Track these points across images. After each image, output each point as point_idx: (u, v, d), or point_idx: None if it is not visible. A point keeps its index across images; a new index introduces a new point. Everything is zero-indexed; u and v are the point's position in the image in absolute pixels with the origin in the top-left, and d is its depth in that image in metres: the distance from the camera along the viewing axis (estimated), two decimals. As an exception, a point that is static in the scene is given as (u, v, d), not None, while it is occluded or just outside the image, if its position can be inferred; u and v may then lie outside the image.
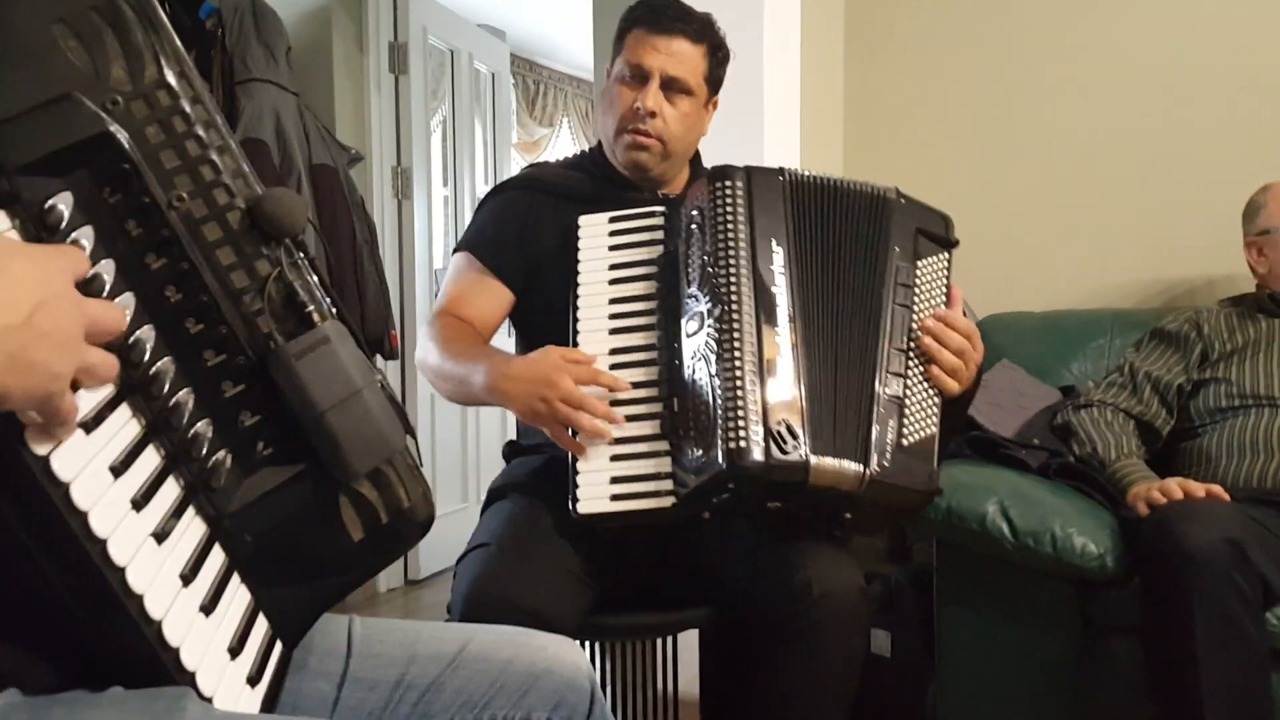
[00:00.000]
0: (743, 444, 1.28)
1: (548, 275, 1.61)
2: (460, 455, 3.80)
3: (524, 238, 1.66)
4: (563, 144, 6.21)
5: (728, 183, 1.43)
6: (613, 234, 1.55)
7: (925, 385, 1.41)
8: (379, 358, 3.34)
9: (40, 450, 0.63)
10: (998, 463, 2.02)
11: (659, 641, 1.97)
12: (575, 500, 1.39)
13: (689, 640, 1.90)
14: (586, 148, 1.83)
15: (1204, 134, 2.47)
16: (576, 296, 1.52)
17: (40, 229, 0.67)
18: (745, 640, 1.49)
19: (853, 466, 1.32)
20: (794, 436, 1.30)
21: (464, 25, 3.99)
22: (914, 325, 1.42)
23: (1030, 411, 2.19)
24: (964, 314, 1.49)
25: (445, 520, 2.82)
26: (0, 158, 0.65)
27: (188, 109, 0.74)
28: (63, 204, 0.67)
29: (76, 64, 0.69)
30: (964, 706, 1.92)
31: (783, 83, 2.33)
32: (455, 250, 1.73)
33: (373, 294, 3.22)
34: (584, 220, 1.57)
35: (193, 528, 0.78)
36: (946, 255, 1.50)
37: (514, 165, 4.65)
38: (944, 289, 1.48)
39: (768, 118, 2.23)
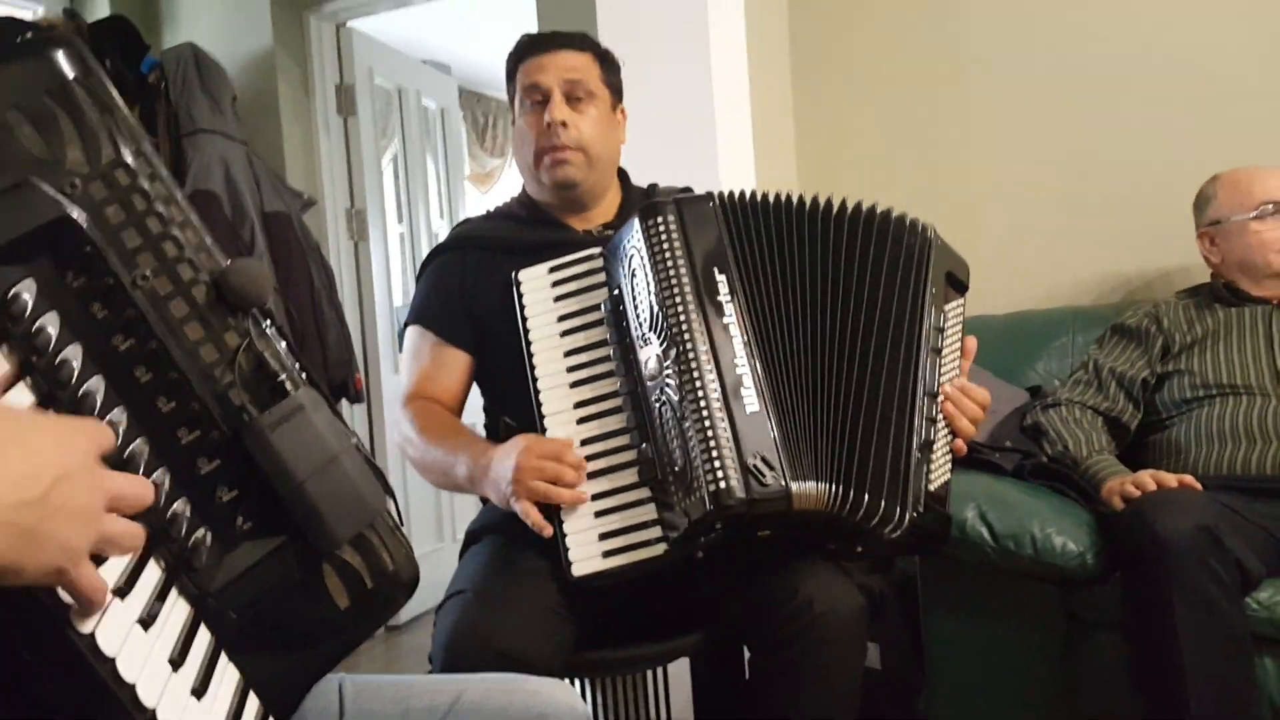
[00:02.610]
0: (722, 484, 1.27)
1: (497, 332, 1.60)
2: (434, 495, 3.76)
3: (467, 299, 1.66)
4: (514, 173, 6.18)
5: (659, 219, 1.41)
6: (555, 284, 1.53)
7: (945, 431, 1.44)
8: (344, 401, 3.31)
9: None
10: (972, 467, 2.03)
11: (649, 673, 1.95)
12: (569, 564, 1.39)
13: (679, 669, 1.89)
14: (513, 195, 1.83)
15: (1150, 128, 2.50)
16: (531, 355, 1.50)
17: (4, 320, 0.66)
18: (742, 665, 1.48)
19: (834, 489, 1.32)
20: (770, 468, 1.29)
21: (409, 63, 3.98)
22: (940, 377, 1.42)
23: (1000, 414, 2.20)
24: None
25: (422, 561, 2.79)
26: None
27: (146, 186, 0.74)
28: (26, 292, 0.67)
29: (32, 150, 0.69)
30: (955, 712, 1.93)
31: (732, 98, 2.34)
32: (405, 325, 1.75)
33: (334, 338, 3.19)
34: (524, 275, 1.55)
35: (177, 609, 0.77)
36: (964, 302, 1.52)
37: (468, 198, 4.64)
38: (959, 335, 1.50)
39: (720, 136, 2.24)
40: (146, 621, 0.72)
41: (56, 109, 0.71)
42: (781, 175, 2.72)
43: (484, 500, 1.74)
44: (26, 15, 3.22)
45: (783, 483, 1.29)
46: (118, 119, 0.73)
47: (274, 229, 3.05)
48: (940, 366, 1.43)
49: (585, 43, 1.69)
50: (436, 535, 3.82)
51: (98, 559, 0.66)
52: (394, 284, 3.75)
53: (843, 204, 1.47)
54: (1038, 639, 1.85)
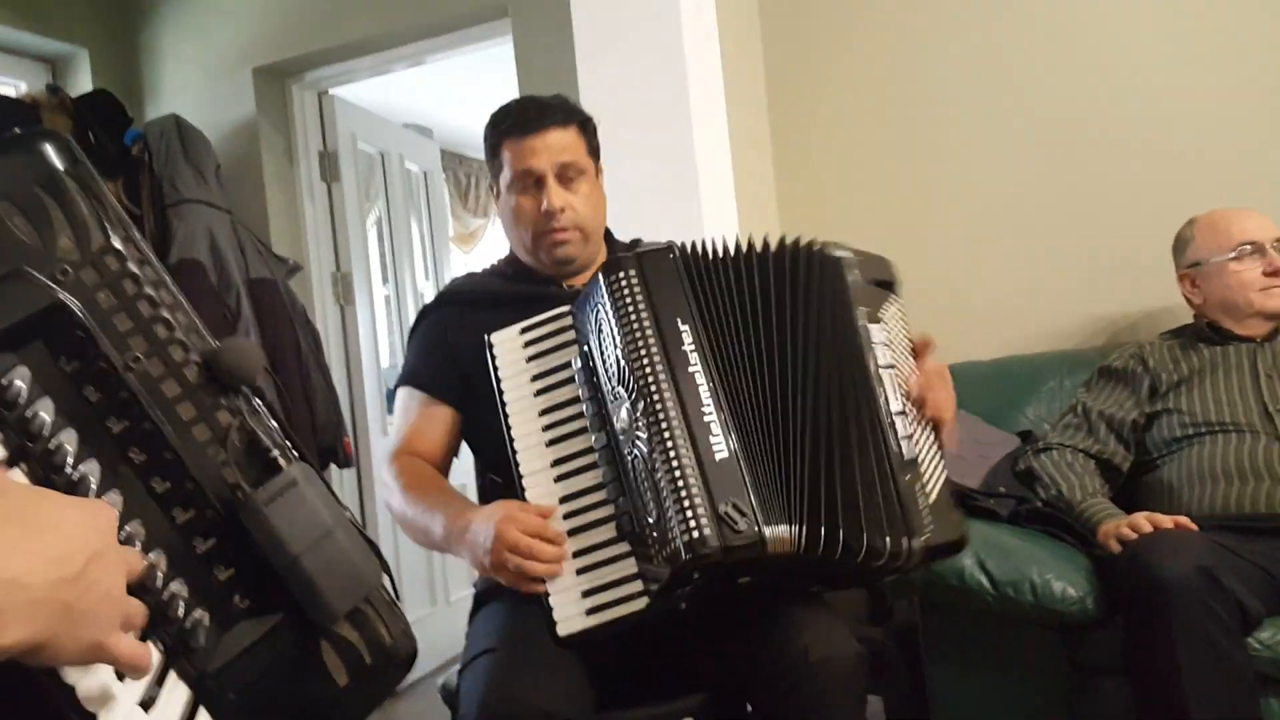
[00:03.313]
0: (695, 533, 1.27)
1: (480, 389, 1.60)
2: (426, 558, 3.73)
3: (452, 355, 1.68)
4: (498, 232, 6.23)
5: (620, 274, 1.43)
6: (526, 344, 1.54)
7: (925, 437, 1.43)
8: (333, 466, 3.29)
9: None
10: (967, 514, 2.02)
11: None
12: (553, 624, 1.38)
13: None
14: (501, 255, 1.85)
15: (1128, 173, 2.53)
16: (506, 416, 1.51)
17: (1, 406, 0.67)
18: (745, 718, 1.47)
19: (802, 529, 1.31)
20: (743, 514, 1.29)
21: (391, 127, 4.01)
22: (902, 385, 1.42)
23: (992, 460, 2.21)
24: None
25: (416, 626, 2.76)
26: None
27: (136, 271, 0.75)
28: (19, 379, 0.68)
29: (24, 239, 0.70)
30: (963, 764, 1.91)
31: (713, 151, 2.37)
32: (396, 386, 1.76)
33: (322, 403, 3.18)
34: (496, 338, 1.56)
35: (177, 692, 0.76)
36: (899, 299, 1.52)
37: (453, 259, 4.66)
38: (906, 334, 1.50)
39: (702, 189, 2.26)
40: (147, 704, 0.71)
41: (46, 199, 0.72)
42: (765, 226, 2.75)
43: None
44: (10, 91, 3.24)
45: (756, 528, 1.29)
46: (106, 207, 0.75)
47: (260, 296, 3.05)
48: (896, 377, 1.42)
49: (569, 115, 1.68)
50: (429, 599, 3.77)
51: None
52: (380, 346, 3.75)
53: (780, 242, 1.47)
54: (1042, 686, 1.83)
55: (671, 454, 1.31)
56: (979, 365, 2.53)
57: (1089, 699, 1.79)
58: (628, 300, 1.41)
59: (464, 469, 1.76)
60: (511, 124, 1.66)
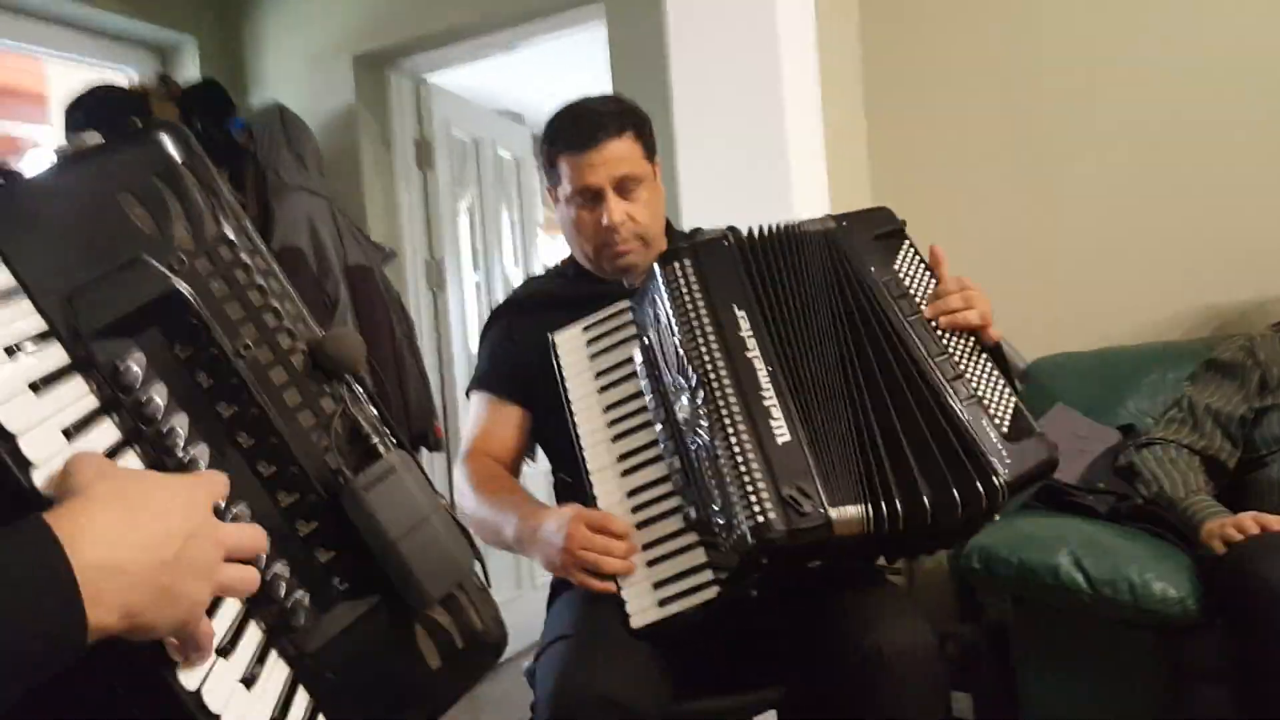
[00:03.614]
0: (760, 518, 1.26)
1: (546, 390, 1.61)
2: (513, 539, 3.78)
3: (520, 356, 1.70)
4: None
5: (675, 265, 1.44)
6: (590, 342, 1.56)
7: (979, 364, 1.38)
8: (424, 449, 3.35)
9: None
10: (1065, 510, 1.98)
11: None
12: (626, 617, 1.40)
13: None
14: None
15: (1237, 156, 2.43)
16: (572, 414, 1.53)
17: (116, 389, 0.69)
18: (822, 715, 1.46)
19: (867, 509, 1.29)
20: (807, 496, 1.27)
21: (484, 114, 4.06)
22: (932, 323, 1.40)
23: (1091, 455, 2.15)
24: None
25: (502, 609, 2.80)
26: (77, 324, 0.68)
27: (248, 261, 0.78)
28: (135, 364, 0.71)
29: (143, 228, 0.73)
30: (1054, 765, 1.87)
31: (806, 133, 2.34)
32: (468, 391, 1.79)
33: (414, 388, 3.24)
34: (559, 338, 1.58)
35: (277, 670, 0.78)
36: (907, 239, 1.48)
37: (541, 245, 4.70)
38: (927, 269, 1.46)
39: (793, 172, 2.24)
40: (249, 681, 0.73)
41: (164, 190, 0.75)
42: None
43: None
44: (122, 81, 3.37)
45: (822, 510, 1.27)
46: (220, 197, 0.78)
47: (357, 282, 3.12)
48: (927, 322, 1.39)
49: (623, 123, 1.65)
50: (515, 583, 3.83)
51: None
52: (470, 331, 3.80)
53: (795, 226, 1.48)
54: (1137, 689, 1.78)
55: (733, 440, 1.31)
56: (1079, 356, 2.47)
57: (1187, 704, 1.73)
58: (683, 290, 1.42)
59: (541, 469, 1.79)
60: (567, 139, 1.64)
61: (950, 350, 1.38)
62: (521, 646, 3.39)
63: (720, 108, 2.25)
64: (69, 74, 3.26)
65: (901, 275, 1.44)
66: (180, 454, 0.73)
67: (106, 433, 0.70)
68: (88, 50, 3.30)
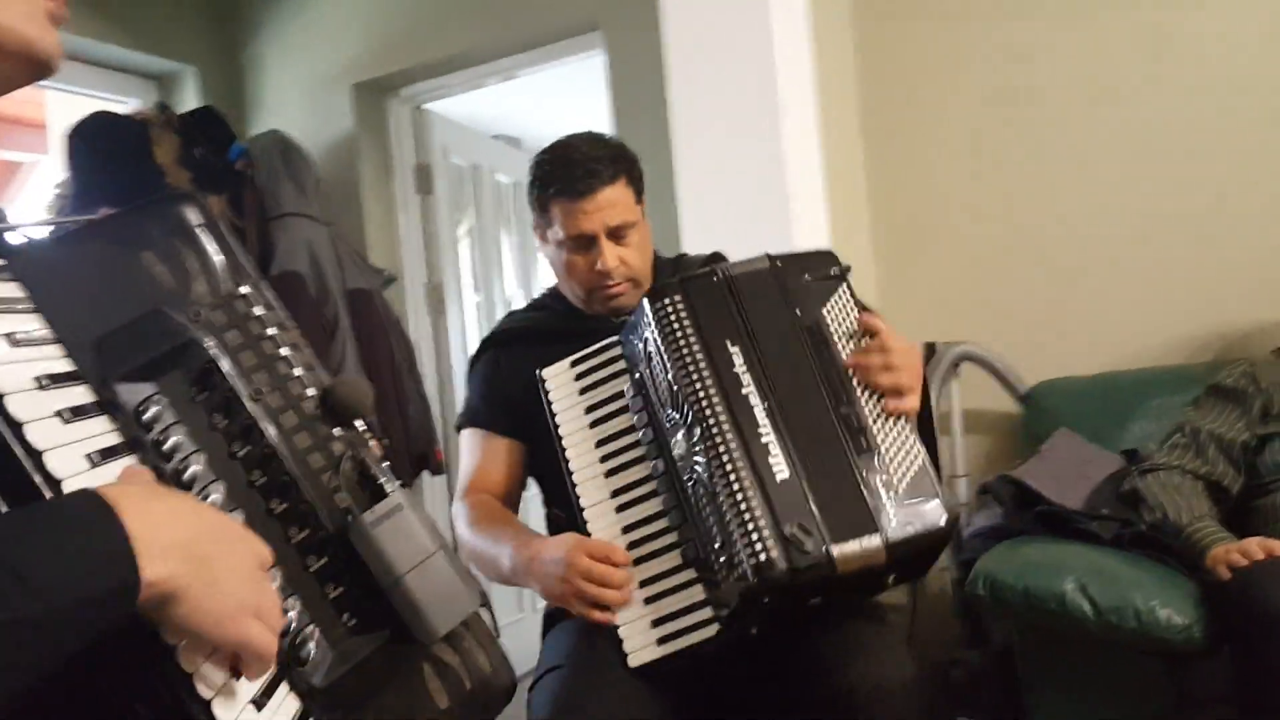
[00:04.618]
0: (762, 557, 1.26)
1: (536, 425, 1.61)
2: (514, 564, 3.77)
3: (508, 391, 1.70)
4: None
5: (666, 301, 1.43)
6: (579, 377, 1.56)
7: (887, 421, 1.38)
8: (425, 473, 3.35)
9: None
10: (1069, 537, 1.98)
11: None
12: (624, 656, 1.39)
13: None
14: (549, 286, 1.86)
15: (1240, 180, 2.44)
16: (563, 450, 1.52)
17: (138, 429, 0.74)
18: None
19: (873, 540, 1.29)
20: (809, 534, 1.27)
21: (482, 140, 4.08)
22: (849, 374, 1.40)
23: (1095, 480, 2.15)
24: (958, 357, 1.47)
25: (503, 632, 2.79)
26: (102, 369, 0.73)
27: (261, 314, 0.84)
28: (156, 405, 0.75)
29: (164, 283, 0.79)
30: (1061, 793, 1.86)
31: (805, 168, 2.35)
32: (459, 428, 1.79)
33: (414, 412, 3.25)
34: (547, 373, 1.58)
35: (287, 703, 0.78)
36: (843, 286, 1.47)
37: (541, 267, 4.71)
38: (855, 320, 1.45)
39: (792, 204, 2.25)
40: (259, 704, 0.74)
41: (184, 249, 0.82)
42: (856, 243, 2.72)
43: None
44: (121, 108, 3.38)
45: (824, 548, 1.27)
46: (235, 256, 0.84)
47: (357, 306, 3.13)
48: (842, 368, 1.40)
49: (616, 168, 1.65)
50: (517, 606, 3.82)
51: None
52: (471, 353, 3.80)
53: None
54: (1145, 715, 1.78)
55: (732, 478, 1.31)
56: (1081, 380, 2.48)
57: (1196, 731, 1.73)
58: (674, 325, 1.41)
59: (535, 508, 1.79)
60: (560, 186, 1.63)
61: (860, 404, 1.37)
62: (522, 671, 3.38)
63: (719, 133, 2.26)
64: (69, 104, 3.28)
65: (828, 321, 1.44)
66: (197, 490, 0.76)
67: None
68: (88, 82, 3.32)
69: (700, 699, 1.50)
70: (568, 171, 1.63)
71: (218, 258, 0.83)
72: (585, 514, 1.48)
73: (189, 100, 3.48)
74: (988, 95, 2.71)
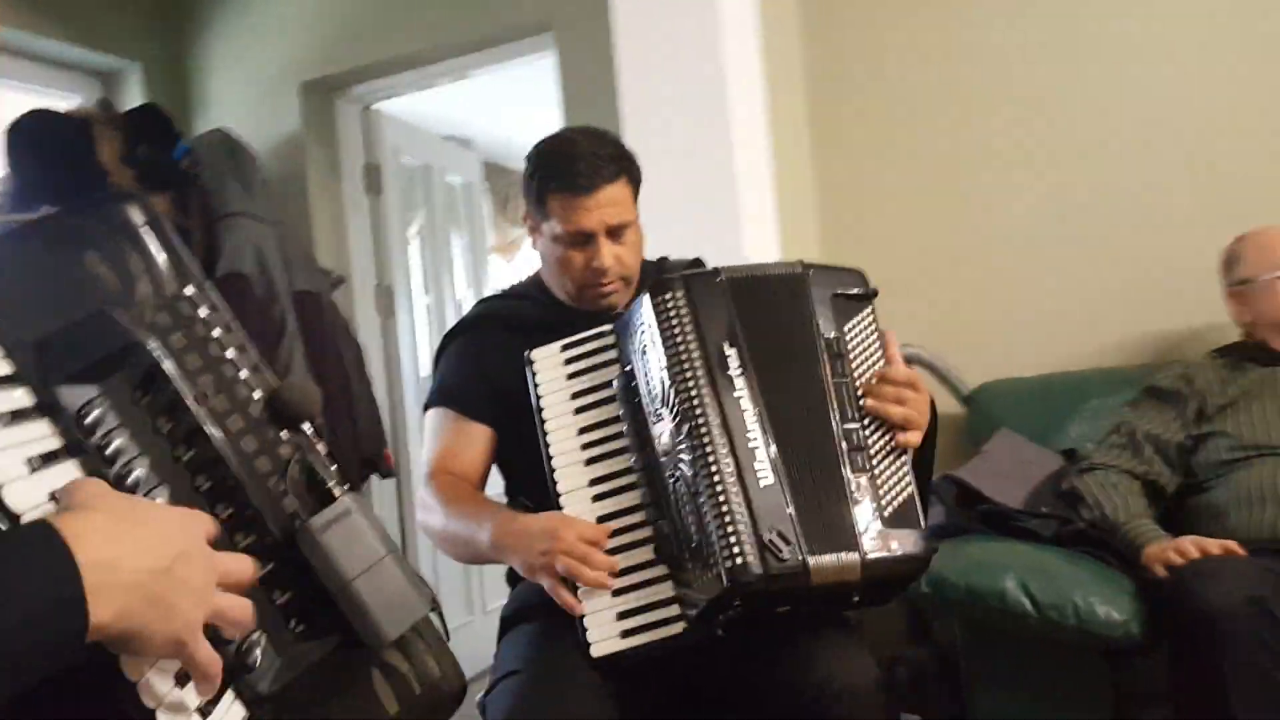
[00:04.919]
0: (738, 560, 1.27)
1: (514, 411, 1.60)
2: (463, 567, 3.76)
3: (487, 376, 1.67)
4: (537, 241, 6.28)
5: (668, 296, 1.42)
6: (567, 362, 1.54)
7: (887, 449, 1.40)
8: (375, 477, 3.32)
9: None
10: (1010, 535, 2.02)
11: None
12: (587, 645, 1.38)
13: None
14: (527, 274, 1.83)
15: (1176, 187, 2.51)
16: (545, 433, 1.51)
17: (79, 432, 0.72)
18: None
19: (850, 557, 1.31)
20: (787, 543, 1.28)
21: (433, 141, 4.05)
22: (859, 394, 1.41)
23: (1035, 479, 2.19)
24: (904, 359, 1.48)
25: (453, 635, 2.78)
26: (43, 371, 0.72)
27: (206, 315, 0.83)
28: (98, 409, 0.73)
29: (107, 284, 0.78)
30: (1004, 786, 1.89)
31: (754, 173, 2.37)
32: (426, 408, 1.74)
33: (364, 414, 3.21)
34: (536, 354, 1.56)
35: (232, 712, 0.78)
36: (869, 309, 1.49)
37: (492, 268, 4.70)
38: (878, 343, 1.47)
39: (742, 211, 2.27)
40: (204, 712, 0.74)
41: (128, 249, 0.80)
42: (805, 242, 2.75)
43: (512, 583, 1.74)
44: (62, 106, 3.31)
45: (800, 557, 1.29)
46: (180, 257, 0.83)
47: (305, 308, 3.08)
48: (854, 391, 1.41)
49: (618, 167, 1.62)
50: (466, 608, 3.80)
51: None
52: (421, 356, 3.78)
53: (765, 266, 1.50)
54: (1085, 710, 1.82)
55: (716, 479, 1.31)
56: (1022, 382, 2.52)
57: (1133, 724, 1.77)
58: (674, 322, 1.41)
59: (494, 490, 1.77)
60: (562, 180, 1.60)
61: (864, 425, 1.39)
62: (472, 674, 3.38)
63: (669, 135, 2.28)
64: (10, 100, 3.21)
65: (848, 338, 1.45)
66: (140, 495, 0.74)
67: (69, 471, 0.72)
68: (29, 76, 3.25)
69: (658, 703, 1.50)
70: (571, 166, 1.60)
71: (162, 258, 0.81)
72: (562, 499, 1.47)
73: (133, 97, 3.41)
74: (932, 101, 2.76)
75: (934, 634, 2.28)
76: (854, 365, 1.43)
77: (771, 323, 1.45)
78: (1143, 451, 2.07)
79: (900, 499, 1.37)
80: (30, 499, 0.66)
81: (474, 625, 3.71)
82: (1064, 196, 2.63)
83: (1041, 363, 2.57)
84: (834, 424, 1.38)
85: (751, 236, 2.27)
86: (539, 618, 1.57)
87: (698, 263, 1.78)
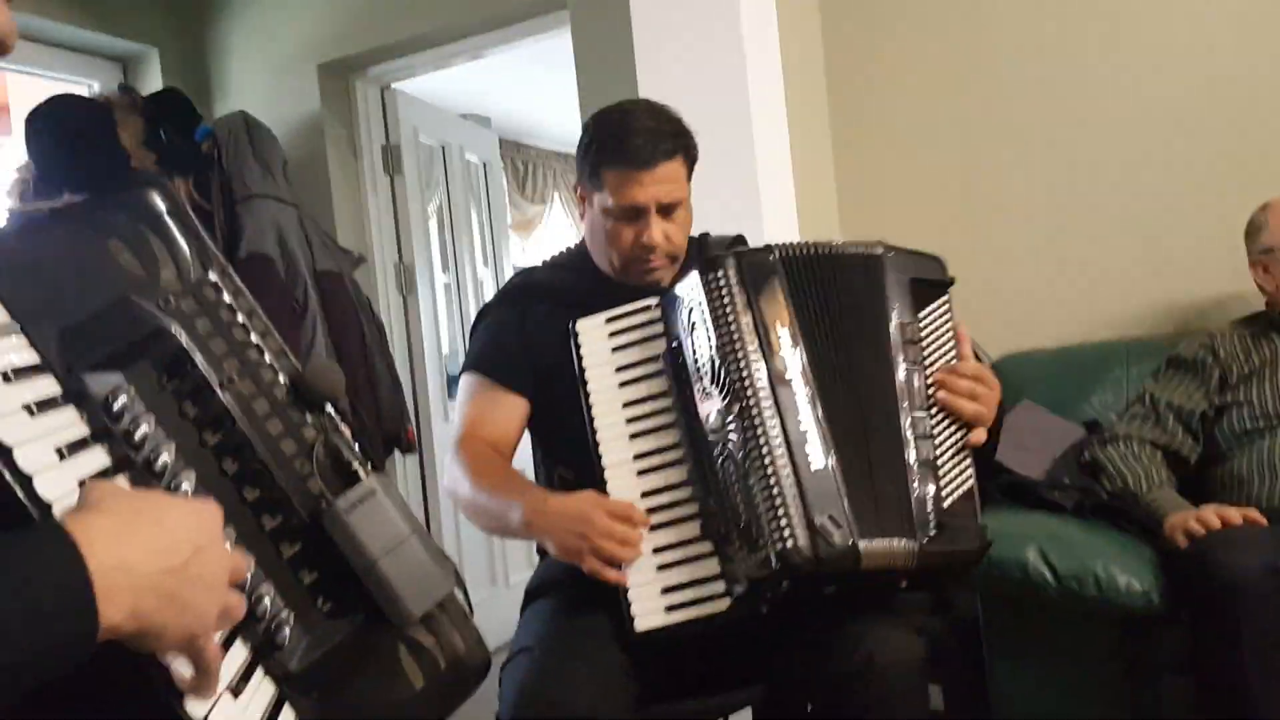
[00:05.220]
0: (789, 542, 1.27)
1: (555, 384, 1.59)
2: (486, 541, 3.79)
3: (527, 347, 1.65)
4: (556, 219, 6.29)
5: (720, 273, 1.41)
6: (612, 335, 1.53)
7: (953, 440, 1.41)
8: (397, 452, 3.36)
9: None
10: (1031, 506, 2.02)
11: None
12: (631, 619, 1.37)
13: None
14: (577, 239, 1.82)
15: (1198, 156, 2.48)
16: (590, 405, 1.49)
17: (107, 419, 0.73)
18: (805, 716, 1.48)
19: (902, 543, 1.32)
20: (838, 526, 1.29)
21: (451, 119, 4.06)
22: (930, 382, 1.41)
23: (1057, 451, 2.19)
24: (975, 355, 1.48)
25: (475, 608, 2.81)
26: (69, 359, 0.72)
27: (230, 301, 0.84)
28: (125, 395, 0.74)
29: (131, 271, 0.78)
30: (1024, 756, 1.90)
31: (773, 150, 2.37)
32: (461, 373, 1.72)
33: (386, 392, 3.24)
34: (581, 325, 1.54)
35: (263, 689, 0.79)
36: (946, 299, 1.49)
37: (511, 246, 4.71)
38: (951, 334, 1.47)
39: (762, 189, 2.26)
40: (236, 690, 0.75)
41: (151, 237, 0.80)
42: (824, 219, 2.74)
43: (541, 554, 1.75)
44: (83, 91, 3.34)
45: (851, 541, 1.29)
46: (204, 243, 0.84)
47: (326, 288, 3.12)
48: (925, 379, 1.41)
49: (677, 144, 1.60)
50: (489, 581, 3.84)
51: None
52: (442, 333, 3.81)
53: (833, 245, 1.48)
54: (1104, 681, 1.82)
55: (766, 460, 1.31)
56: (1043, 353, 2.51)
57: (1152, 696, 1.78)
58: (725, 300, 1.40)
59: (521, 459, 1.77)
60: (618, 154, 1.58)
61: (932, 414, 1.39)
62: (495, 647, 3.40)
63: (687, 112, 2.26)
64: (31, 86, 3.24)
65: (921, 325, 1.44)
66: (168, 479, 0.75)
67: (97, 458, 0.73)
68: (50, 64, 3.28)
69: (681, 670, 1.50)
70: (629, 140, 1.57)
71: (184, 243, 0.82)
72: (606, 473, 1.45)
73: (152, 82, 3.44)
74: (951, 72, 2.73)
75: (954, 605, 2.29)
76: (926, 354, 1.43)
77: (834, 303, 1.43)
78: (1165, 422, 2.07)
79: (961, 491, 1.37)
80: (61, 488, 0.67)
81: (497, 598, 3.74)
82: (1085, 167, 2.61)
83: (1063, 334, 2.56)
84: (902, 410, 1.38)
85: (771, 214, 2.27)
86: (561, 592, 1.59)
87: (739, 240, 1.77)
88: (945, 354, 1.45)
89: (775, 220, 2.25)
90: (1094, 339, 2.53)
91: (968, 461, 1.40)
